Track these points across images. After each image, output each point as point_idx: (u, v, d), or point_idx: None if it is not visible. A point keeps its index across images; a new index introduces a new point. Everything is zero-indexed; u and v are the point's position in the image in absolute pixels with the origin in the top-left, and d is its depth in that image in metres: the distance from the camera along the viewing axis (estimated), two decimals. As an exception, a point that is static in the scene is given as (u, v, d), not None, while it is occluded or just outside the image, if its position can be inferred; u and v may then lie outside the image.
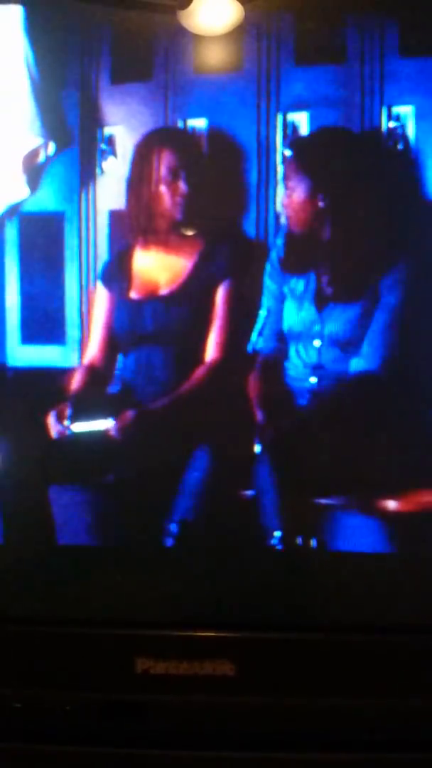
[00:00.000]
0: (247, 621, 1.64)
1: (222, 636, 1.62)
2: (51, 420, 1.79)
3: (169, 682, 1.59)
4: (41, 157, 1.82)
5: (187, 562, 1.73)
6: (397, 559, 1.71)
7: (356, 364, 1.75)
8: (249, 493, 1.74)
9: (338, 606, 1.64)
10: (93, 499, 1.81)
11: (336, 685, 1.58)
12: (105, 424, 1.78)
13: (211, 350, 1.78)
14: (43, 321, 1.85)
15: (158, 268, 1.83)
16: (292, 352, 1.79)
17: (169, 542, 1.75)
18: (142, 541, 1.77)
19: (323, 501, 1.72)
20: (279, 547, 1.71)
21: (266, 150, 1.76)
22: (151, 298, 1.83)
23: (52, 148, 1.82)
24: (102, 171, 1.80)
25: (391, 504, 1.71)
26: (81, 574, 1.71)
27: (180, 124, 1.78)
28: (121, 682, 1.60)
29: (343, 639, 1.61)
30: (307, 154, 1.75)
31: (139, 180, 1.79)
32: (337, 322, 1.77)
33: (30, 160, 1.82)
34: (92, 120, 1.80)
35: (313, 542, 1.71)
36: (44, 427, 1.79)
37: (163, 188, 1.79)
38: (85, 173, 1.80)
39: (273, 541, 1.71)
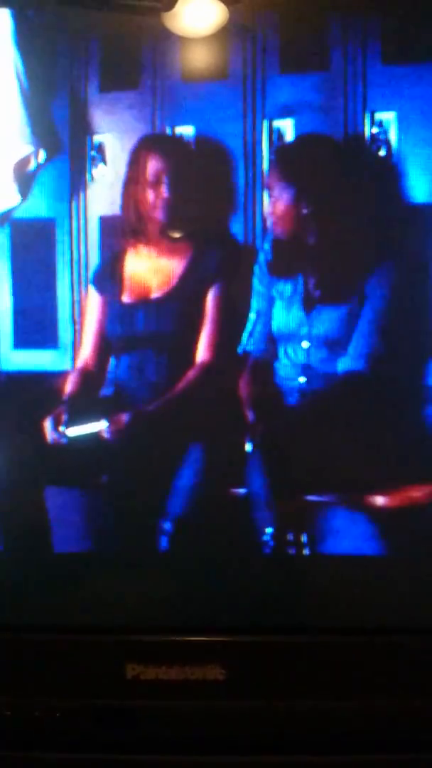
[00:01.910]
0: (236, 625, 1.64)
1: (212, 640, 1.61)
2: (46, 424, 1.80)
3: (159, 687, 1.59)
4: (32, 165, 1.84)
5: (177, 566, 1.73)
6: (387, 561, 1.72)
7: (343, 364, 1.78)
8: (241, 491, 1.76)
9: (328, 608, 1.65)
10: (83, 504, 1.82)
11: (327, 688, 1.58)
12: (99, 427, 1.79)
13: (203, 352, 1.80)
14: (36, 325, 1.86)
15: (150, 272, 1.85)
16: (281, 352, 1.81)
17: (160, 546, 1.76)
18: (132, 547, 1.77)
19: (313, 497, 1.74)
20: (271, 543, 1.72)
21: (253, 156, 1.78)
22: (143, 301, 1.85)
23: (42, 155, 1.84)
24: (92, 178, 1.83)
25: (379, 499, 1.73)
26: (69, 580, 1.71)
27: (168, 131, 1.80)
28: (111, 688, 1.60)
29: (333, 641, 1.61)
30: (292, 160, 1.78)
31: (129, 186, 1.81)
32: (325, 323, 1.79)
33: (21, 167, 1.84)
34: (82, 128, 1.82)
35: (303, 538, 1.73)
36: (38, 431, 1.80)
37: (153, 194, 1.81)
38: (76, 180, 1.82)
39: (265, 538, 1.72)
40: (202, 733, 1.58)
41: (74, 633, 1.63)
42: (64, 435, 1.80)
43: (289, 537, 1.73)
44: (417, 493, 1.71)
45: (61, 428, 1.80)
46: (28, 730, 1.59)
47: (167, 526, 1.76)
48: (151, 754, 1.57)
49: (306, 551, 1.73)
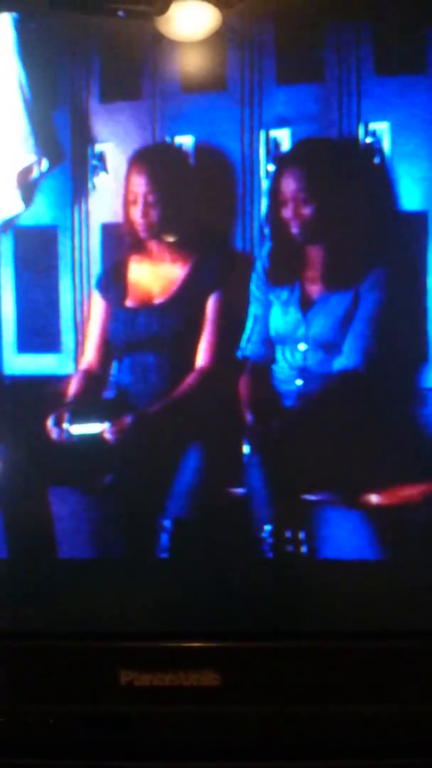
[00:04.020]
0: (230, 630, 1.63)
1: (206, 646, 1.61)
2: (49, 424, 1.82)
3: (153, 693, 1.58)
4: (35, 173, 1.87)
5: (174, 570, 1.74)
6: (384, 564, 1.73)
7: (338, 363, 1.81)
8: (239, 491, 1.78)
9: (323, 613, 1.65)
10: (84, 507, 1.84)
11: (321, 693, 1.58)
12: (101, 428, 1.82)
13: (203, 356, 1.83)
14: (39, 330, 1.89)
15: (151, 278, 1.88)
16: (279, 356, 1.85)
17: (157, 550, 1.77)
18: (130, 552, 1.78)
19: (311, 496, 1.77)
20: (269, 540, 1.75)
21: (250, 165, 1.82)
22: (145, 306, 1.88)
23: (45, 164, 1.87)
24: (93, 186, 1.85)
25: (375, 498, 1.76)
26: (62, 587, 1.71)
27: (168, 140, 1.83)
28: (105, 694, 1.59)
29: (327, 647, 1.61)
30: (288, 169, 1.80)
31: (130, 195, 1.84)
32: (321, 325, 1.82)
33: (24, 176, 1.87)
34: (83, 137, 1.85)
35: (301, 535, 1.76)
36: (42, 434, 1.82)
37: (153, 203, 1.83)
38: (78, 188, 1.85)
39: (263, 535, 1.75)
40: (197, 739, 1.57)
41: (68, 639, 1.63)
42: (66, 432, 1.81)
43: (287, 534, 1.75)
44: (411, 491, 1.74)
45: (64, 425, 1.82)
46: (22, 737, 1.59)
47: (167, 526, 1.78)
48: (145, 761, 1.57)
49: (304, 549, 1.75)
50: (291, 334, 1.83)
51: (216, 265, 1.84)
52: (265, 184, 1.81)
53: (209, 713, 1.58)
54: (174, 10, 1.66)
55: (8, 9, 1.80)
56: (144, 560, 1.78)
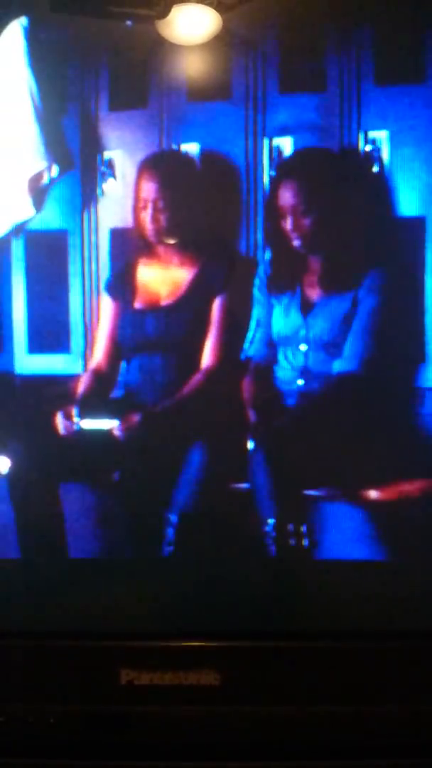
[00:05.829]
0: (230, 630, 1.64)
1: (206, 646, 1.61)
2: (59, 420, 1.85)
3: (153, 692, 1.58)
4: (46, 179, 1.91)
5: (178, 568, 1.75)
6: (384, 566, 1.74)
7: (338, 363, 1.84)
8: (243, 486, 1.81)
9: (323, 613, 1.65)
10: (88, 506, 1.86)
11: (321, 693, 1.59)
12: (109, 425, 1.85)
13: (208, 357, 1.86)
14: (49, 331, 1.92)
15: (158, 281, 1.91)
16: (280, 356, 1.88)
17: (161, 549, 1.79)
18: (133, 551, 1.80)
19: (312, 492, 1.80)
20: (272, 534, 1.77)
21: (254, 172, 1.85)
22: (153, 308, 1.91)
23: (55, 170, 1.90)
24: (102, 192, 1.89)
25: (375, 495, 1.79)
26: (64, 587, 1.72)
27: (174, 148, 1.86)
28: (105, 693, 1.59)
29: (328, 646, 1.61)
30: (290, 176, 1.84)
31: (138, 201, 1.87)
32: (321, 326, 1.86)
33: (35, 182, 1.91)
34: (92, 145, 1.88)
35: (303, 530, 1.78)
36: (51, 432, 1.85)
37: (162, 208, 1.87)
38: (87, 194, 1.89)
39: (267, 528, 1.78)
40: (197, 739, 1.57)
41: (69, 638, 1.63)
42: (76, 426, 1.84)
43: (290, 529, 1.78)
44: (411, 490, 1.77)
45: (75, 419, 1.84)
46: (22, 736, 1.58)
47: (172, 521, 1.80)
48: (145, 760, 1.57)
49: (305, 545, 1.78)
50: (292, 336, 1.87)
51: (221, 269, 1.88)
52: (267, 190, 1.85)
53: (209, 713, 1.58)
54: (175, 13, 1.67)
55: (16, 14, 1.83)
56: (145, 559, 1.79)
